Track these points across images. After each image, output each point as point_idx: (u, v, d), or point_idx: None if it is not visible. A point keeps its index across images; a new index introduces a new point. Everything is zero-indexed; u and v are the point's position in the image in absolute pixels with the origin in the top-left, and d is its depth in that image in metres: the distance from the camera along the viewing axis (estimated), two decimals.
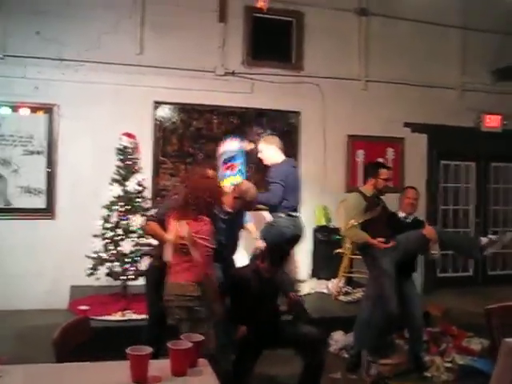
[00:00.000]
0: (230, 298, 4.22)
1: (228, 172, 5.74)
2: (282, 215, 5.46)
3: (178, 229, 3.68)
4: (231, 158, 5.84)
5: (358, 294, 6.59)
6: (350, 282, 6.89)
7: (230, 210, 4.52)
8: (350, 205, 5.10)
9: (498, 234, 5.10)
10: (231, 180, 5.58)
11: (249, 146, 6.03)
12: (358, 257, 6.47)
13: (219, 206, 3.95)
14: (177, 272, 3.75)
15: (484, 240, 4.90)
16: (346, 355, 5.31)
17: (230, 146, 5.95)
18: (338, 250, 6.81)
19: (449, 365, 5.08)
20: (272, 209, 5.53)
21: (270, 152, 5.67)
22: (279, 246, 4.38)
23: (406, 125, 7.95)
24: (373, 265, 4.97)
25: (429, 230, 4.86)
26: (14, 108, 6.47)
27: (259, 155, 5.77)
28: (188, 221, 3.71)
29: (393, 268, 4.77)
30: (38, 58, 6.50)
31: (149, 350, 2.48)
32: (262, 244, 5.04)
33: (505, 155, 8.42)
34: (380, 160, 6.96)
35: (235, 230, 4.78)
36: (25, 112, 6.51)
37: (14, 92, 6.42)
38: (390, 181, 5.28)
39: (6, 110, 6.45)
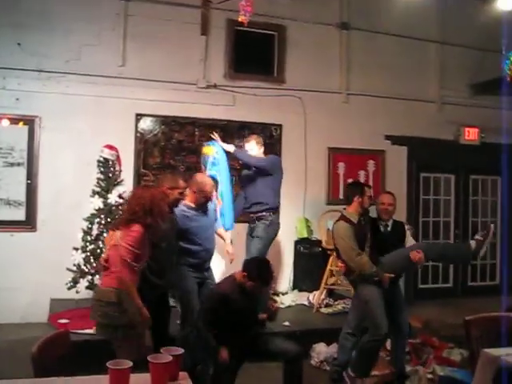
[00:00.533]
0: (211, 314, 4.22)
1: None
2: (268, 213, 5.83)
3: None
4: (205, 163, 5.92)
5: (340, 305, 6.64)
6: (331, 293, 6.91)
7: (193, 205, 4.80)
8: (343, 235, 4.82)
9: (481, 231, 5.08)
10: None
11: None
12: (337, 268, 6.53)
13: (160, 214, 3.93)
14: (102, 277, 3.96)
15: (473, 243, 4.90)
16: (328, 367, 5.32)
17: (206, 150, 6.03)
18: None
19: (429, 376, 5.12)
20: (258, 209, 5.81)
21: (260, 151, 6.01)
22: (268, 268, 4.38)
23: (387, 137, 8.03)
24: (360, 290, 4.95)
25: (415, 256, 4.70)
26: None
27: (249, 153, 5.97)
28: (120, 228, 3.88)
29: (379, 293, 4.76)
30: (19, 69, 6.46)
31: (129, 363, 2.47)
32: (231, 249, 5.31)
33: (483, 168, 8.52)
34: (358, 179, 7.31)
35: (209, 231, 4.92)
36: (5, 123, 6.46)
37: None
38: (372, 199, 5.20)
39: None
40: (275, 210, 5.91)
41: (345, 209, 5.02)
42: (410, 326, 5.96)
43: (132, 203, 3.96)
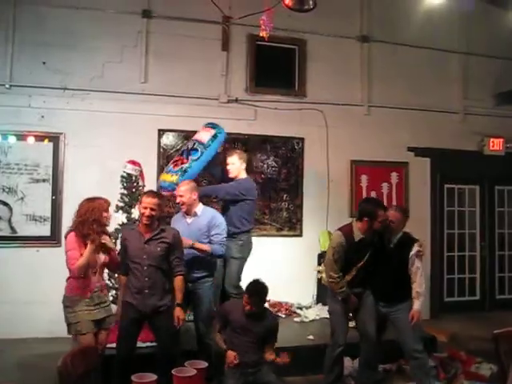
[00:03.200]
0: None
1: (171, 167, 5.71)
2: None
3: None
4: (186, 152, 5.75)
5: None
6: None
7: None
8: (333, 249, 4.78)
9: None
10: (163, 177, 5.66)
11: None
12: None
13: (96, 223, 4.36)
14: None
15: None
16: (353, 382, 5.25)
17: (199, 135, 5.88)
18: None
19: None
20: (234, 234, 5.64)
21: (241, 167, 5.80)
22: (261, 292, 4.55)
23: (410, 149, 7.97)
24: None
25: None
26: (20, 137, 6.54)
27: (229, 167, 5.78)
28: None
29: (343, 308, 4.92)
30: (44, 87, 6.59)
31: (153, 377, 2.47)
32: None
33: (509, 178, 8.42)
34: (374, 197, 7.17)
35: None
36: (31, 141, 6.57)
37: (20, 121, 6.50)
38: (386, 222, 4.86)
39: (12, 139, 6.52)
40: (248, 232, 5.83)
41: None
42: (435, 339, 5.91)
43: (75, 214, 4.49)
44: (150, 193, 4.65)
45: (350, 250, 4.73)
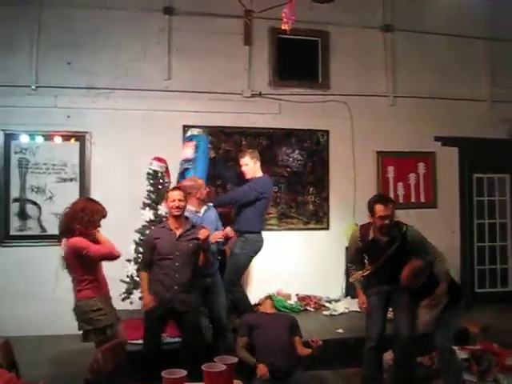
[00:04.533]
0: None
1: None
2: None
3: None
4: (181, 176, 5.88)
5: None
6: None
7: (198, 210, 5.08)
8: (349, 245, 4.93)
9: None
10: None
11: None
12: None
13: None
14: None
15: None
16: (385, 375, 5.21)
17: (184, 153, 5.97)
18: None
19: None
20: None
21: (255, 166, 5.81)
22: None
23: (437, 139, 7.84)
24: None
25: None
26: (47, 137, 6.63)
27: (243, 168, 5.81)
28: None
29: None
30: (69, 87, 6.67)
31: (183, 372, 2.48)
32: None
33: None
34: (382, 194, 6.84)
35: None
36: (57, 140, 6.66)
37: (47, 121, 6.59)
38: (389, 218, 4.54)
39: (40, 139, 6.61)
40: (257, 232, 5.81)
41: None
42: (467, 331, 5.82)
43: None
44: (174, 188, 4.82)
45: (364, 247, 4.72)
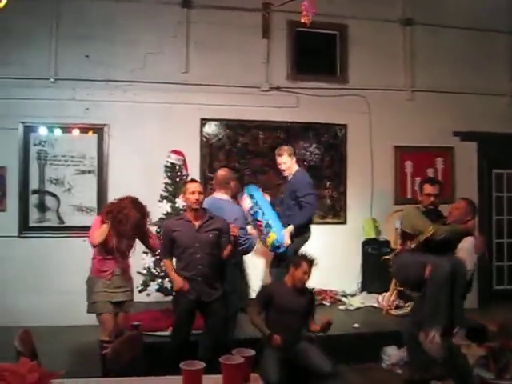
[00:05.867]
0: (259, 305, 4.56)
1: (262, 236, 5.71)
2: None
3: None
4: (253, 220, 5.78)
5: (410, 307, 6.45)
6: (401, 295, 6.75)
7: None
8: (413, 214, 4.98)
9: None
10: (269, 243, 5.61)
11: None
12: None
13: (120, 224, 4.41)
14: None
15: None
16: (400, 370, 5.19)
17: (245, 206, 5.84)
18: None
19: (510, 382, 4.89)
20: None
21: (292, 161, 5.83)
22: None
23: (455, 134, 7.76)
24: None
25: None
26: (66, 129, 6.68)
27: (282, 167, 5.82)
28: None
29: None
30: (88, 80, 6.70)
31: (201, 364, 2.48)
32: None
33: None
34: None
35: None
36: (76, 133, 6.70)
37: (66, 114, 6.63)
38: (437, 197, 5.00)
39: (58, 132, 6.66)
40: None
41: None
42: (485, 329, 5.78)
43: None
44: (192, 180, 4.84)
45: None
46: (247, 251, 5.30)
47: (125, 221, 4.39)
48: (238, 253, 4.97)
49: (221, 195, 5.12)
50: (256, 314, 4.55)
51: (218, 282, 4.61)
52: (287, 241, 5.46)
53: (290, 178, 5.83)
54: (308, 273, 4.54)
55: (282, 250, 5.52)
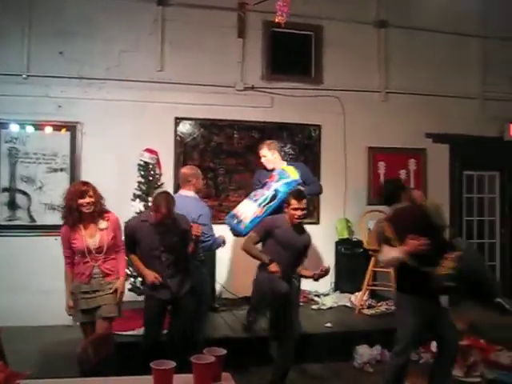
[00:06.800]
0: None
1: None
2: None
3: None
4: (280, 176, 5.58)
5: (383, 307, 6.53)
6: (373, 295, 6.82)
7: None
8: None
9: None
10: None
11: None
12: (381, 270, 6.44)
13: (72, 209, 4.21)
14: None
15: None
16: (371, 369, 5.25)
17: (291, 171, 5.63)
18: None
19: (477, 379, 4.98)
20: None
21: (275, 155, 5.79)
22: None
23: (428, 135, 7.88)
24: None
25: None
26: (38, 126, 6.59)
27: (263, 160, 5.79)
28: None
29: None
30: (61, 77, 6.62)
31: (172, 364, 2.47)
32: None
33: None
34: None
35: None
36: (48, 130, 6.62)
37: (38, 111, 6.54)
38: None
39: (30, 129, 6.57)
40: None
41: None
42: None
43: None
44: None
45: None
46: (211, 249, 5.23)
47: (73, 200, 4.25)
48: (201, 250, 4.93)
49: (186, 192, 5.08)
50: (251, 243, 4.63)
51: (186, 277, 4.58)
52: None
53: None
54: (298, 208, 4.56)
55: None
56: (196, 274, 4.80)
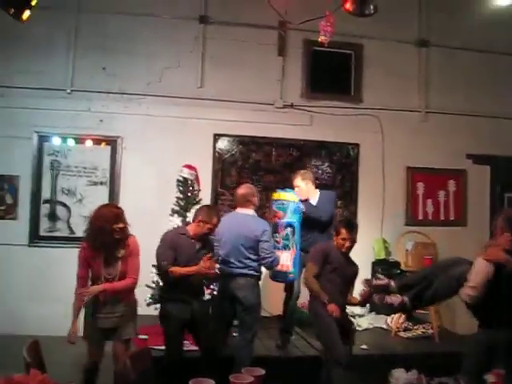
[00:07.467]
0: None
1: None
2: None
3: None
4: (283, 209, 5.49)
5: (419, 330, 6.40)
6: (410, 317, 6.69)
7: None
8: None
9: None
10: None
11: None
12: None
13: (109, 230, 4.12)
14: None
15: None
16: None
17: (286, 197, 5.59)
18: None
19: None
20: None
21: (308, 187, 5.71)
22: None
23: (468, 156, 7.75)
24: None
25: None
26: (80, 140, 6.72)
27: (296, 190, 5.66)
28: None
29: None
30: (103, 92, 6.76)
31: (211, 382, 2.46)
32: None
33: None
34: None
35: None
36: (89, 144, 6.74)
37: (80, 125, 6.69)
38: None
39: (72, 142, 6.70)
40: None
41: None
42: None
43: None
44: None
45: None
46: (272, 266, 5.00)
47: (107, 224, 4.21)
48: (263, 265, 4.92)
49: (245, 210, 4.98)
50: (312, 275, 4.55)
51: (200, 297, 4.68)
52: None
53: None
54: (348, 238, 4.54)
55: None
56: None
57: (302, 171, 5.90)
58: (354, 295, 4.86)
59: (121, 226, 4.16)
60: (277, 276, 5.37)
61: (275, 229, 5.31)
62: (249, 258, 4.75)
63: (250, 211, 5.00)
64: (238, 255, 4.76)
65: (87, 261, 4.22)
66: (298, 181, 5.71)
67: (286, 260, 5.27)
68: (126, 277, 4.24)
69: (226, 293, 4.78)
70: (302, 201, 5.56)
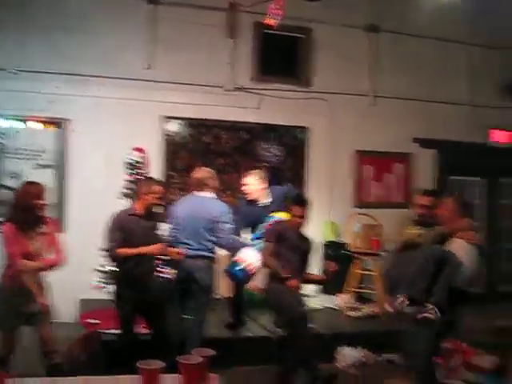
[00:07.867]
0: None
1: None
2: None
3: None
4: None
5: (367, 309, 6.57)
6: (359, 297, 6.87)
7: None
8: None
9: None
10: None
11: None
12: (367, 272, 6.50)
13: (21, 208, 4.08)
14: None
15: None
16: (356, 372, 5.29)
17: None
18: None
19: (458, 382, 5.03)
20: None
21: (258, 187, 5.67)
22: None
23: (415, 140, 7.95)
24: None
25: None
26: (27, 122, 6.53)
27: (244, 188, 5.69)
28: None
29: None
30: (51, 73, 6.56)
31: (160, 364, 2.48)
32: None
33: None
34: None
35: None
36: (37, 126, 6.57)
37: (27, 106, 6.48)
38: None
39: (19, 124, 6.52)
40: None
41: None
42: None
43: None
44: (159, 182, 4.84)
45: None
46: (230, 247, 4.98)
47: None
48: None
49: (203, 193, 4.93)
50: (269, 254, 4.66)
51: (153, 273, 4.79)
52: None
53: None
54: (300, 214, 4.67)
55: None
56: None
57: (256, 171, 5.84)
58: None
59: (44, 202, 4.17)
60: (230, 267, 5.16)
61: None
62: (209, 240, 4.74)
63: (208, 194, 4.97)
64: (198, 238, 4.73)
65: (16, 238, 4.04)
66: (250, 179, 5.67)
67: (246, 255, 4.99)
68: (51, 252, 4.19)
69: (183, 274, 4.78)
70: (250, 201, 5.61)
